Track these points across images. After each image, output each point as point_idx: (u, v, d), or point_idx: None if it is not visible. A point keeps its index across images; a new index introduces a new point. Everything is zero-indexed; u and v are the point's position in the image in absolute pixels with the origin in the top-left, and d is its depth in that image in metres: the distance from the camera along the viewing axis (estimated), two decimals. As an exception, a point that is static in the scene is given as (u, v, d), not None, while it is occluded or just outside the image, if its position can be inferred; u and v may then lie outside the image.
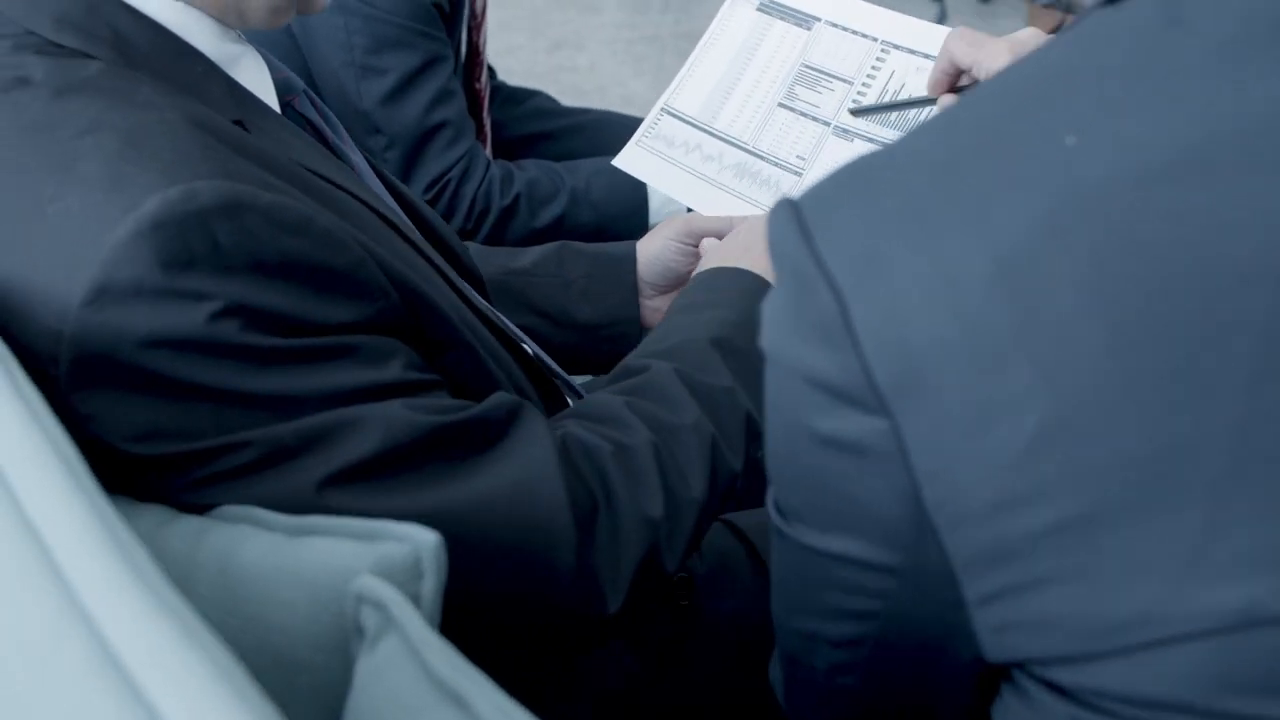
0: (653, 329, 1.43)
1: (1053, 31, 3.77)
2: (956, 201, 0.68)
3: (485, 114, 2.04)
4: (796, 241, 0.71)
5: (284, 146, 0.98)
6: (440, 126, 1.83)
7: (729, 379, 1.10)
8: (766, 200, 1.47)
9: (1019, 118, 0.71)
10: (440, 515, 0.89)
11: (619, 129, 2.14)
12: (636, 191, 1.93)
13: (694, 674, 1.21)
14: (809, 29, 1.55)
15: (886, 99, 1.44)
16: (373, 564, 0.76)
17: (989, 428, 0.66)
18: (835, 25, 1.54)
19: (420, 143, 1.82)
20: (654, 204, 1.95)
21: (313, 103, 1.15)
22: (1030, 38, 1.27)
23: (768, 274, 1.23)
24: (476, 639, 0.83)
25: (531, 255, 1.43)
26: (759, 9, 1.60)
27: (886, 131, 1.43)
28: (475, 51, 1.99)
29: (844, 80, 1.50)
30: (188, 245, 0.83)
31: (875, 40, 1.50)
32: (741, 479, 1.08)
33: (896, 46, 1.47)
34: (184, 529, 0.84)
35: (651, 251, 1.44)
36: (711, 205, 1.49)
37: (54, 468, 0.70)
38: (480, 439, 0.94)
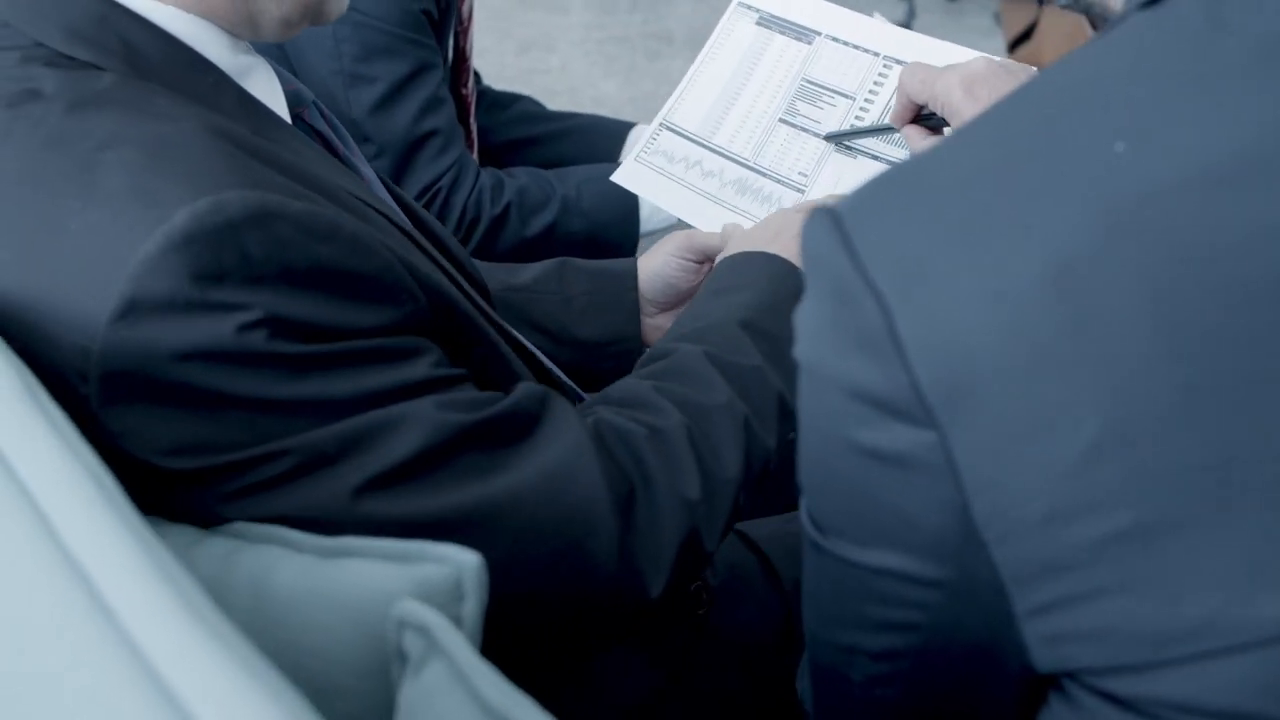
0: (643, 347, 1.43)
1: (1026, 30, 3.79)
2: (1004, 209, 0.67)
3: (472, 120, 2.02)
4: (837, 252, 0.70)
5: (299, 157, 0.97)
6: (430, 135, 1.82)
7: (759, 359, 1.10)
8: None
9: (1063, 124, 0.70)
10: (478, 511, 0.89)
11: (607, 134, 2.13)
12: (627, 199, 1.91)
13: (711, 686, 1.20)
14: (809, 43, 1.54)
15: (887, 117, 1.43)
16: (412, 586, 0.74)
17: (1041, 438, 0.65)
18: (836, 40, 1.53)
19: (410, 151, 1.80)
20: (644, 212, 1.94)
21: (322, 114, 1.13)
22: (983, 66, 1.28)
23: (796, 260, 1.23)
24: (508, 642, 0.83)
25: (532, 271, 1.42)
26: (758, 23, 1.59)
27: (891, 149, 1.42)
28: (462, 57, 1.97)
29: (846, 96, 1.49)
30: (218, 257, 0.82)
31: (877, 55, 1.49)
32: (775, 459, 1.08)
33: (899, 62, 1.46)
34: (212, 550, 0.82)
35: (653, 268, 1.43)
36: (712, 222, 1.48)
37: (91, 495, 0.68)
38: (513, 431, 0.94)
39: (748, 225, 1.43)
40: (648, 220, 1.95)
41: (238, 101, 0.99)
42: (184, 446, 0.85)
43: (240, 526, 0.85)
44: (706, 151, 1.54)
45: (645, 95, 4.94)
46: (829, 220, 0.71)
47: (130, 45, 0.95)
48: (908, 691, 0.82)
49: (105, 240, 0.83)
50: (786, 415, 1.10)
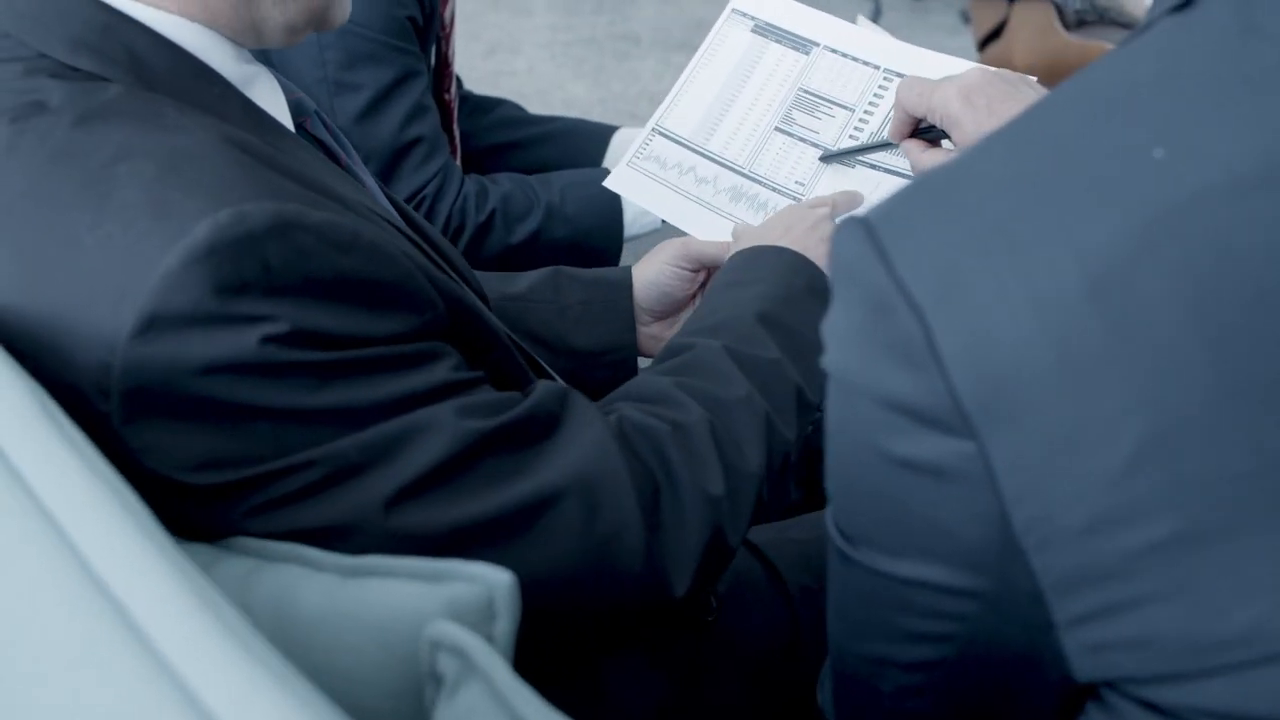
0: (649, 351, 1.42)
1: (996, 28, 3.80)
2: (1043, 218, 0.67)
3: (454, 125, 2.01)
4: (872, 262, 0.69)
5: (306, 167, 0.96)
6: (415, 142, 1.80)
7: (776, 351, 1.10)
8: None
9: (1099, 131, 0.69)
10: (504, 518, 0.89)
11: (590, 137, 2.12)
12: (611, 204, 1.90)
13: (719, 695, 1.19)
14: (807, 54, 1.53)
15: (885, 131, 1.42)
16: (442, 606, 0.73)
17: (1083, 447, 0.65)
18: (835, 51, 1.51)
19: (395, 159, 1.79)
20: (629, 215, 1.93)
21: (324, 124, 1.12)
22: (979, 76, 1.28)
23: (810, 254, 1.23)
24: (526, 650, 0.82)
25: (526, 280, 1.41)
26: (754, 31, 1.57)
27: (889, 158, 1.41)
28: (444, 63, 1.95)
29: (845, 107, 1.48)
30: (240, 269, 0.81)
31: (878, 68, 1.48)
32: (795, 452, 1.08)
33: (899, 75, 1.45)
34: (231, 571, 0.81)
35: (648, 276, 1.41)
36: (706, 229, 1.47)
37: (118, 518, 0.67)
38: (535, 432, 0.93)
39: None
40: (631, 225, 1.94)
41: (244, 111, 0.98)
42: (209, 461, 0.84)
43: (257, 545, 0.83)
44: (700, 158, 1.52)
45: (615, 96, 4.93)
46: (862, 230, 0.70)
47: (136, 55, 0.94)
48: (939, 702, 0.82)
49: (123, 255, 0.82)
50: (805, 408, 1.10)
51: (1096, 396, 0.64)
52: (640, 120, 4.60)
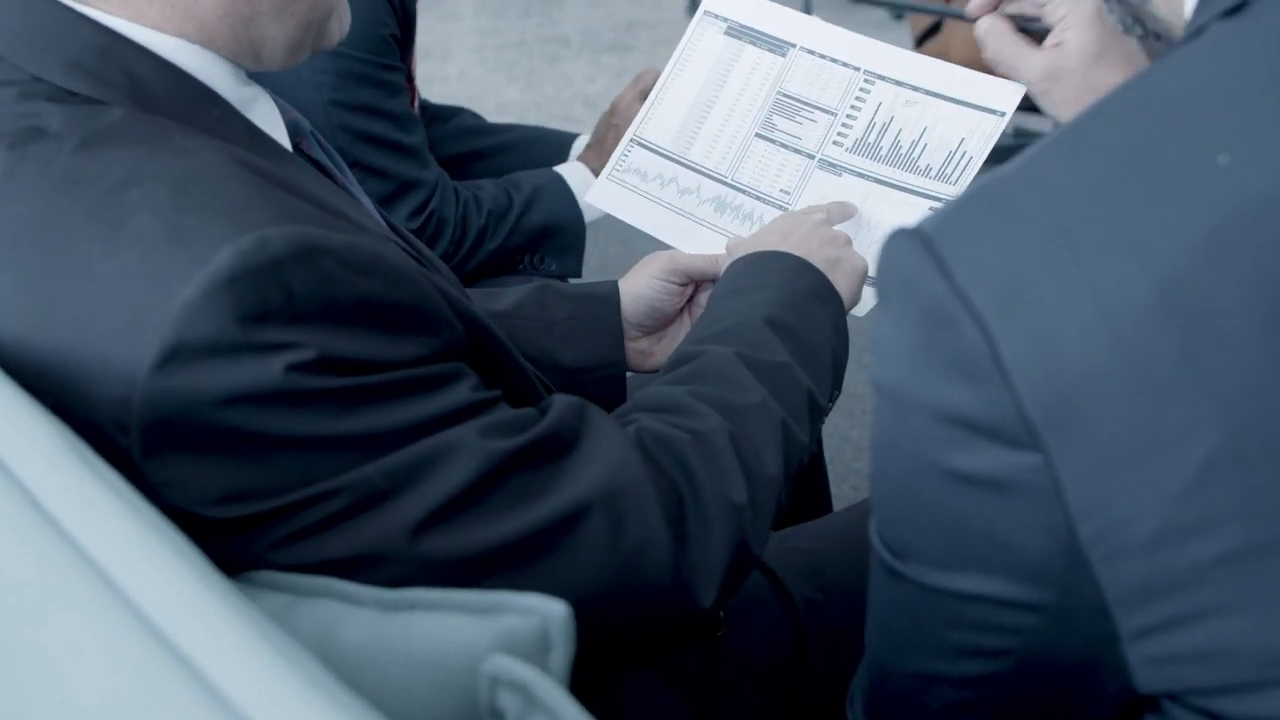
0: (627, 372, 1.40)
1: (934, 24, 3.81)
2: (1108, 228, 0.66)
3: (420, 137, 2.00)
4: (931, 274, 0.68)
5: (310, 188, 0.93)
6: (413, 155, 1.82)
7: (786, 356, 1.09)
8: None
9: (1160, 138, 0.69)
10: (531, 539, 0.88)
11: (552, 145, 2.12)
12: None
13: (732, 711, 1.18)
14: (783, 55, 1.50)
15: (875, 132, 1.41)
16: (496, 640, 0.71)
17: (1152, 458, 0.65)
18: (812, 53, 1.49)
19: (399, 174, 1.80)
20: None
21: (320, 144, 1.10)
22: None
23: (811, 258, 1.22)
24: None
25: (512, 297, 1.38)
26: (728, 33, 1.54)
27: (878, 166, 1.40)
28: (408, 76, 1.94)
29: (826, 111, 1.45)
30: (264, 296, 0.79)
31: (858, 70, 1.45)
32: (807, 457, 1.08)
33: (881, 77, 1.43)
34: (266, 607, 0.78)
35: (636, 290, 1.39)
36: (692, 242, 1.45)
37: (166, 558, 0.64)
38: (557, 449, 0.92)
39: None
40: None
41: (245, 133, 0.95)
42: (232, 494, 0.81)
43: (287, 579, 0.81)
44: (681, 168, 1.50)
45: (548, 100, 4.92)
46: (918, 241, 0.70)
47: (135, 78, 0.91)
48: (991, 717, 0.81)
49: (139, 284, 0.80)
50: (815, 411, 1.09)
51: (1167, 407, 0.64)
52: (577, 124, 4.60)
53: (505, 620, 0.72)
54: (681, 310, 1.42)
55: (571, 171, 1.98)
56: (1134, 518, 0.65)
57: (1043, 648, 0.74)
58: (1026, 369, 0.66)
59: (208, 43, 0.94)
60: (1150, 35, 0.81)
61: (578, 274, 2.00)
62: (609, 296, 1.39)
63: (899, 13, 6.12)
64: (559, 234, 1.94)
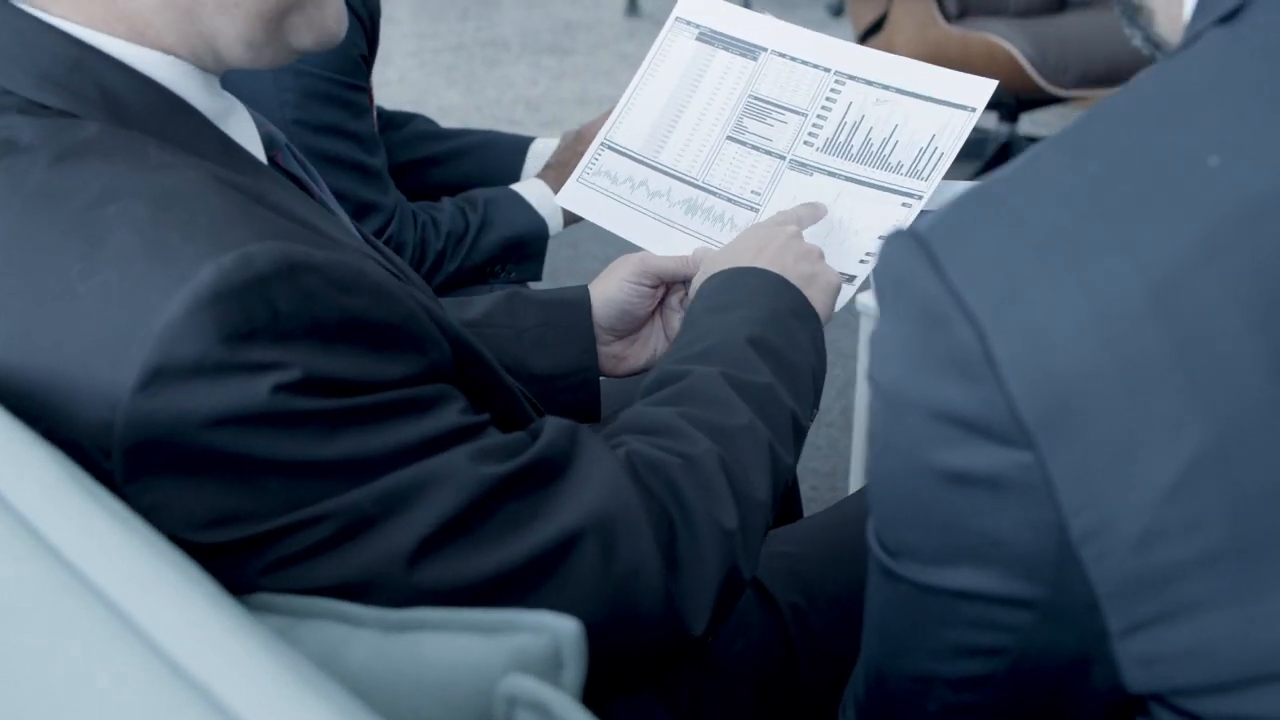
0: (600, 377, 1.38)
1: (877, 21, 3.83)
2: (1102, 228, 0.67)
3: (378, 147, 1.98)
4: (926, 274, 0.69)
5: (287, 202, 0.91)
6: (374, 177, 1.79)
7: (769, 376, 1.08)
8: (721, 237, 1.42)
9: (1155, 141, 0.70)
10: (531, 562, 0.86)
11: (507, 150, 2.10)
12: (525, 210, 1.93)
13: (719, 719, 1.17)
14: (755, 59, 1.50)
15: (845, 131, 1.41)
16: (507, 659, 0.70)
17: (1142, 456, 0.65)
18: (783, 55, 1.48)
19: (356, 195, 1.77)
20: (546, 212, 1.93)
21: (295, 157, 1.07)
22: None
23: (787, 274, 1.20)
24: None
25: (481, 305, 1.36)
26: (699, 39, 1.54)
27: (849, 165, 1.39)
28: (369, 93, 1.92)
29: (797, 112, 1.45)
30: (248, 315, 0.77)
31: (828, 71, 1.45)
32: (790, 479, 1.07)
33: (851, 77, 1.43)
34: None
35: (607, 294, 1.37)
36: (662, 244, 1.44)
37: (175, 584, 0.63)
38: (550, 472, 0.90)
39: (699, 246, 1.40)
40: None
41: (221, 146, 0.93)
42: (217, 518, 0.79)
43: (286, 601, 0.79)
44: (652, 171, 1.49)
45: (490, 103, 4.90)
46: (912, 241, 0.70)
47: (107, 91, 0.89)
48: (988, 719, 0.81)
49: (120, 304, 0.77)
50: (799, 432, 1.08)
51: (1156, 406, 0.65)
52: (519, 126, 4.58)
53: (516, 639, 0.71)
54: (653, 313, 1.41)
55: (530, 190, 1.96)
56: (1123, 515, 0.66)
57: (1036, 646, 0.74)
58: (1019, 368, 0.66)
59: (166, 48, 0.91)
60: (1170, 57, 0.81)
61: (538, 278, 1.99)
62: (579, 302, 1.38)
63: (838, 10, 6.16)
64: (520, 247, 1.92)
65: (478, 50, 5.52)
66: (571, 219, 1.95)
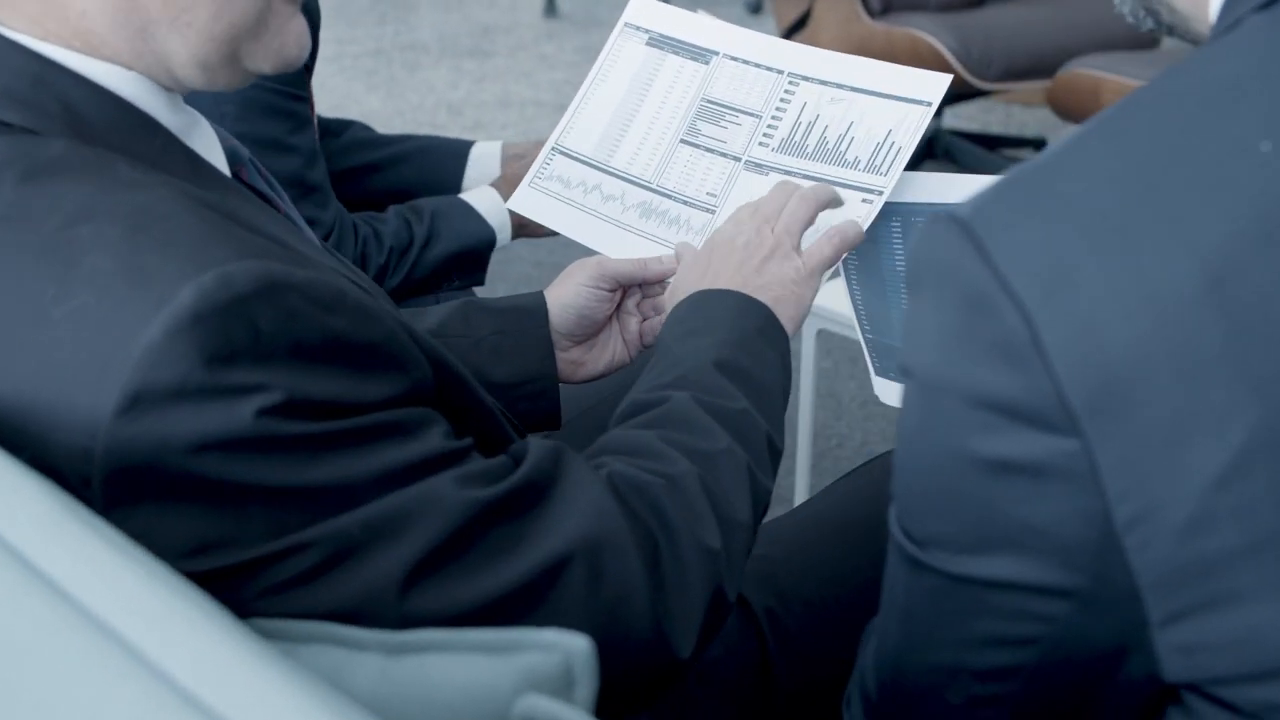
0: (559, 384, 1.36)
1: (800, 18, 3.84)
2: (1153, 213, 0.67)
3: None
4: (971, 260, 0.69)
5: (255, 219, 0.89)
6: (313, 190, 1.76)
7: (744, 401, 1.07)
8: (676, 240, 1.41)
9: (1200, 126, 0.69)
10: (522, 587, 0.84)
11: (447, 154, 2.07)
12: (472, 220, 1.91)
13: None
14: (706, 63, 1.49)
15: (800, 131, 1.40)
16: (518, 679, 0.69)
17: (1190, 444, 0.65)
18: (735, 59, 1.47)
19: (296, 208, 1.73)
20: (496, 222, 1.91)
21: (259, 172, 1.05)
22: None
23: (749, 288, 1.18)
24: None
25: (436, 315, 1.34)
26: (649, 44, 1.52)
27: (806, 164, 1.39)
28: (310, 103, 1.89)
29: (751, 114, 1.44)
30: (230, 336, 0.75)
31: (781, 73, 1.44)
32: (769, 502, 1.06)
33: (805, 78, 1.42)
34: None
35: (564, 300, 1.36)
36: (618, 247, 1.42)
37: (180, 612, 0.61)
38: (535, 496, 0.88)
39: (660, 252, 1.39)
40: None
41: (188, 163, 0.91)
42: (200, 546, 0.77)
43: (283, 626, 0.77)
44: (605, 175, 1.48)
45: (413, 108, 4.86)
46: (959, 230, 0.70)
47: (70, 107, 0.86)
48: (1014, 712, 0.80)
49: (98, 328, 0.75)
50: (774, 455, 1.07)
51: (1207, 394, 0.65)
52: (442, 130, 4.55)
53: (526, 658, 0.69)
54: (610, 317, 1.39)
55: (480, 199, 1.93)
56: (1170, 503, 0.66)
57: (1071, 636, 0.74)
58: (1067, 354, 0.66)
59: (125, 62, 0.89)
60: (1164, 28, 0.81)
61: (481, 284, 1.97)
62: (536, 309, 1.36)
63: (756, 7, 6.17)
64: (468, 258, 1.90)
65: (397, 54, 5.47)
66: (521, 232, 1.93)
